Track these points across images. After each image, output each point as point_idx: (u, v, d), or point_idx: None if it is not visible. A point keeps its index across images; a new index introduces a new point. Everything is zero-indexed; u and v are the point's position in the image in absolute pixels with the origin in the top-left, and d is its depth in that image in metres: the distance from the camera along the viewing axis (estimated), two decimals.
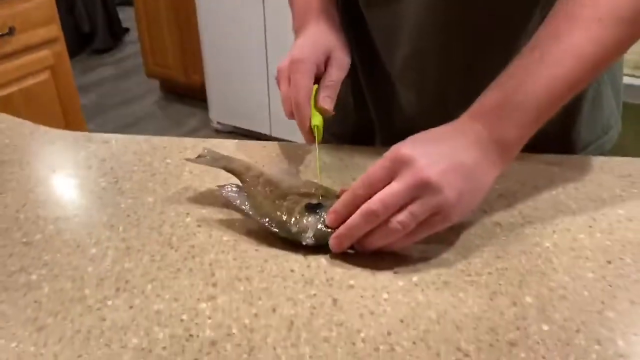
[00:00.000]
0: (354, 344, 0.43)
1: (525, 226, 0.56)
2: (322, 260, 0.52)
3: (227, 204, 0.60)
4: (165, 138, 0.75)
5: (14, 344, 0.44)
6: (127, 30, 4.27)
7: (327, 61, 0.66)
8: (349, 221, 0.50)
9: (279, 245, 0.54)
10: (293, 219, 0.54)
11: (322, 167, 0.63)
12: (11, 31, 1.81)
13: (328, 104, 0.63)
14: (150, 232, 0.57)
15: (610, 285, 0.48)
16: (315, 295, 0.48)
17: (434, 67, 0.70)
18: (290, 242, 0.53)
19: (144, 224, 0.58)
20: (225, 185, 0.58)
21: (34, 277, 0.51)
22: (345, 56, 0.67)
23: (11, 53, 1.84)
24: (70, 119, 2.09)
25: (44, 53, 1.95)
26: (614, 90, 0.74)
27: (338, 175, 0.66)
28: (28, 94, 1.92)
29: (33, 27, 1.88)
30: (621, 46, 0.52)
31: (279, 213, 0.54)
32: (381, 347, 0.43)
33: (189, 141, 0.74)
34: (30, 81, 1.92)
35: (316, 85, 0.65)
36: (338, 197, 0.53)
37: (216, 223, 0.58)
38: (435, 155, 0.48)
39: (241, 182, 0.59)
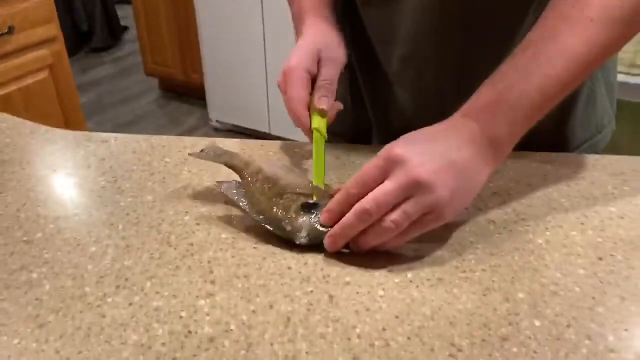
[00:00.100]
0: (349, 339, 0.44)
1: (518, 223, 0.57)
2: (319, 257, 0.53)
3: (226, 200, 0.60)
4: (164, 137, 0.76)
5: (16, 341, 0.45)
6: (125, 28, 4.27)
7: (319, 61, 0.66)
8: (342, 220, 0.51)
9: (276, 243, 0.55)
10: (288, 218, 0.54)
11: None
12: (10, 30, 1.81)
13: (324, 103, 0.63)
14: (150, 230, 0.57)
15: (601, 282, 0.49)
16: (311, 292, 0.49)
17: (430, 67, 0.70)
18: (288, 240, 0.54)
19: (143, 222, 0.59)
20: (224, 181, 0.59)
21: (34, 275, 0.52)
22: (339, 52, 0.67)
23: (10, 52, 1.85)
24: (69, 117, 2.09)
25: (43, 52, 1.95)
26: (608, 89, 0.75)
27: (335, 173, 0.67)
28: (27, 93, 1.92)
29: (32, 26, 1.89)
30: (613, 46, 0.53)
31: (274, 210, 0.55)
32: (376, 343, 0.44)
33: (188, 140, 0.75)
34: (29, 80, 1.92)
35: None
36: (331, 196, 0.54)
37: (215, 221, 0.58)
38: (428, 154, 0.49)
39: (240, 178, 0.60)
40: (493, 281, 0.49)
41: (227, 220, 0.58)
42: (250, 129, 2.81)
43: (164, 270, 0.52)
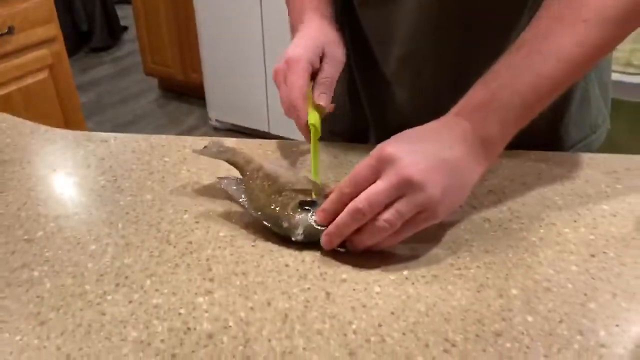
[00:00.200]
0: (346, 335, 0.45)
1: (513, 221, 0.57)
2: (316, 255, 0.54)
3: (226, 196, 0.61)
4: (163, 137, 0.76)
5: (17, 338, 0.46)
6: (125, 28, 4.28)
7: (322, 57, 0.66)
8: (337, 220, 0.51)
9: (274, 240, 0.56)
10: (285, 215, 0.55)
11: (318, 165, 0.63)
12: (10, 30, 1.82)
13: (323, 100, 0.64)
14: (149, 228, 0.58)
15: (593, 278, 0.50)
16: (309, 289, 0.50)
17: (428, 67, 0.71)
18: (286, 238, 0.55)
19: (143, 221, 0.59)
20: (224, 177, 0.60)
21: (35, 273, 0.53)
22: (339, 52, 0.68)
23: (10, 52, 1.85)
24: (69, 117, 2.10)
25: (42, 52, 1.96)
26: (602, 89, 0.75)
27: (333, 172, 0.67)
28: (27, 93, 1.93)
29: (32, 26, 1.90)
30: (606, 46, 0.54)
31: (273, 207, 0.56)
32: (372, 339, 0.45)
33: (186, 139, 0.76)
34: (29, 80, 1.93)
35: (312, 83, 0.66)
36: (326, 196, 0.55)
37: (213, 220, 0.59)
38: (419, 153, 0.50)
39: (241, 175, 0.61)
40: (487, 278, 0.50)
41: (226, 219, 0.59)
42: (249, 129, 2.82)
43: (164, 268, 0.53)
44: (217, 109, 2.92)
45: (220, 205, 0.61)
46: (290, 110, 0.63)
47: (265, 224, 0.56)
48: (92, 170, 0.69)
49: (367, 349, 0.44)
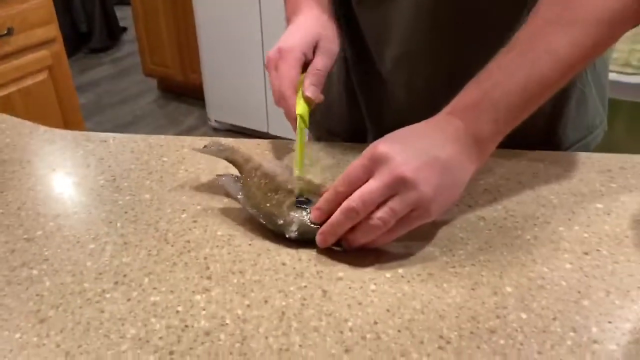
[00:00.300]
0: (342, 332, 0.46)
1: (508, 220, 0.58)
2: (313, 253, 0.54)
3: (224, 193, 0.62)
4: (161, 137, 0.77)
5: (17, 335, 0.46)
6: (124, 29, 4.28)
7: (315, 49, 0.66)
8: (331, 219, 0.52)
9: (271, 239, 0.56)
10: (281, 212, 0.56)
11: (308, 162, 0.63)
12: (10, 32, 1.83)
13: (312, 92, 0.63)
14: (147, 228, 0.59)
15: (587, 276, 0.50)
16: (305, 287, 0.50)
17: (423, 67, 0.71)
18: (283, 237, 0.55)
19: (141, 220, 0.60)
20: (223, 174, 0.61)
21: (35, 271, 0.53)
22: (333, 44, 0.68)
23: (10, 53, 1.86)
24: (68, 118, 2.11)
25: (42, 53, 1.97)
26: (599, 91, 0.76)
27: (330, 172, 0.68)
28: (27, 94, 1.94)
29: (31, 27, 1.90)
30: (598, 47, 0.54)
31: (268, 205, 0.57)
32: (368, 336, 0.45)
33: (185, 139, 0.76)
34: (28, 81, 1.94)
35: (304, 74, 0.65)
36: (320, 196, 0.55)
37: (211, 219, 0.60)
38: (412, 151, 0.50)
39: (240, 172, 0.61)
40: (482, 276, 0.51)
41: (224, 218, 0.60)
42: (248, 129, 2.83)
43: (162, 266, 0.53)
44: (217, 110, 2.92)
45: (218, 205, 0.62)
46: (280, 100, 0.63)
47: (261, 221, 0.56)
48: (91, 170, 0.70)
49: (362, 345, 0.44)
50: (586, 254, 0.53)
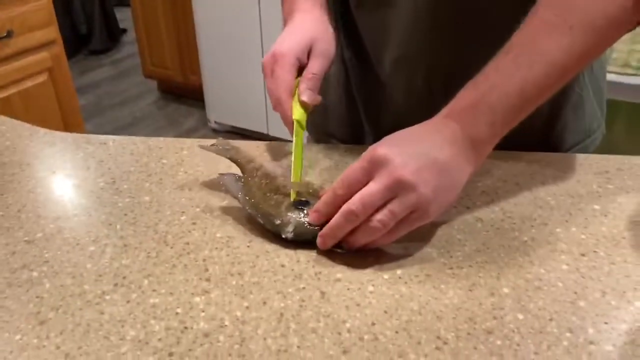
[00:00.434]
0: (340, 334, 0.46)
1: (505, 221, 0.58)
2: (311, 255, 0.54)
3: (225, 192, 0.63)
4: (160, 139, 0.77)
5: (17, 337, 0.46)
6: (124, 31, 4.29)
7: (309, 52, 0.66)
8: (331, 222, 0.52)
9: (270, 241, 0.56)
10: (278, 212, 0.56)
11: (306, 164, 0.63)
12: (9, 34, 1.83)
13: (308, 96, 0.63)
14: (147, 230, 0.59)
15: (583, 277, 0.51)
16: (304, 288, 0.51)
17: (422, 70, 0.72)
18: (281, 238, 0.56)
19: (141, 222, 0.60)
20: (225, 173, 0.62)
21: (35, 273, 0.53)
22: (329, 46, 0.67)
23: (10, 55, 1.86)
24: (68, 120, 2.11)
25: (42, 55, 1.97)
26: (597, 94, 0.76)
27: (329, 174, 0.68)
28: (26, 96, 1.94)
29: (31, 29, 1.91)
30: (592, 52, 0.55)
31: (267, 205, 0.57)
32: (365, 337, 0.45)
33: (184, 142, 0.77)
34: (28, 83, 1.94)
35: (299, 78, 0.65)
36: (319, 198, 0.55)
37: (210, 221, 0.60)
38: (410, 154, 0.50)
39: (242, 172, 0.62)
40: (479, 277, 0.51)
41: (223, 220, 0.60)
42: (248, 130, 2.83)
43: (161, 268, 0.53)
44: (216, 111, 2.93)
45: (217, 207, 0.62)
46: (277, 105, 0.64)
47: (259, 221, 0.57)
48: (91, 172, 0.70)
49: (360, 347, 0.45)
50: (583, 255, 0.53)
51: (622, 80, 1.52)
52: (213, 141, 0.68)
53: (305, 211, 0.56)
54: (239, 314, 0.48)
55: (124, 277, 0.52)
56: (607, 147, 0.79)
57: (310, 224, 0.55)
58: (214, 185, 0.66)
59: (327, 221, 0.53)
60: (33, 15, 1.91)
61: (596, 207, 0.60)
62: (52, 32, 1.99)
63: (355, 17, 0.76)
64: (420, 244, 0.55)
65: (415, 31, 0.68)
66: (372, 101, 0.80)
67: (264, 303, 0.49)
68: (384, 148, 0.51)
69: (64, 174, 0.71)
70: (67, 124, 2.10)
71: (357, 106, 0.83)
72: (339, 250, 0.54)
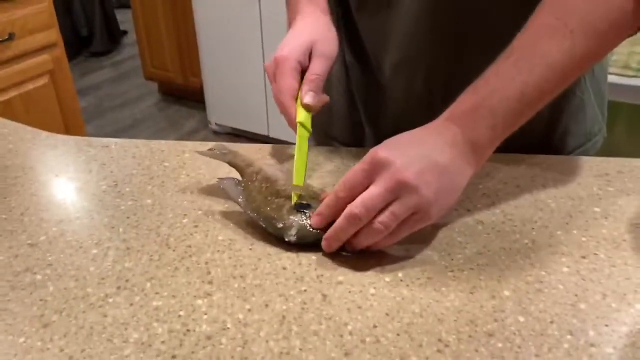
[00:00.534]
0: (341, 336, 0.46)
1: (506, 224, 0.59)
2: (313, 258, 0.55)
3: (225, 196, 0.63)
4: (162, 142, 0.78)
5: (21, 340, 0.47)
6: (125, 32, 4.30)
7: (310, 54, 0.66)
8: (335, 225, 0.53)
9: (272, 244, 0.57)
10: (280, 216, 0.56)
11: (308, 167, 0.63)
12: (11, 36, 1.83)
13: (310, 98, 0.64)
14: (149, 232, 0.59)
15: (584, 279, 0.51)
16: (305, 291, 0.51)
17: (422, 74, 0.72)
18: (283, 241, 0.56)
19: (143, 225, 0.61)
20: (224, 178, 0.62)
21: (39, 276, 0.54)
22: (330, 46, 0.67)
23: (11, 58, 1.87)
24: (69, 122, 2.11)
25: (43, 58, 1.97)
26: (598, 98, 0.76)
27: (330, 177, 0.68)
28: (28, 99, 1.94)
29: (32, 32, 1.91)
30: (593, 57, 0.55)
31: (268, 209, 0.57)
32: (367, 339, 0.46)
33: (186, 144, 0.77)
34: (29, 86, 1.95)
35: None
36: (322, 200, 0.56)
37: (212, 224, 0.60)
38: (412, 156, 0.51)
39: (241, 176, 0.62)
40: (480, 279, 0.51)
41: (224, 223, 0.60)
42: (249, 132, 2.83)
43: (163, 271, 0.54)
44: (217, 113, 2.93)
45: (219, 210, 0.63)
46: (281, 109, 0.64)
47: (261, 225, 0.57)
48: (93, 176, 0.70)
49: (362, 349, 0.45)
50: (584, 257, 0.54)
51: (622, 82, 1.52)
52: (211, 145, 0.68)
53: (307, 214, 0.56)
54: (241, 316, 0.48)
55: (127, 280, 0.53)
56: (608, 149, 0.79)
57: (312, 227, 0.55)
58: (215, 188, 0.66)
59: (329, 224, 0.53)
60: (34, 17, 1.91)
61: (597, 209, 0.60)
62: (53, 34, 1.99)
63: (356, 20, 0.76)
64: (421, 246, 0.56)
65: (415, 33, 0.69)
66: (372, 103, 0.81)
67: (266, 305, 0.49)
68: (384, 150, 0.51)
69: (66, 177, 0.71)
70: (68, 126, 2.10)
71: (358, 108, 0.83)
72: (342, 253, 0.55)
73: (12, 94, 1.89)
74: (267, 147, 0.76)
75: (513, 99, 0.52)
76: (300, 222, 0.56)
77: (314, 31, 0.68)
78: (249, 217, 0.59)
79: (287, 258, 0.55)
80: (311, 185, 0.62)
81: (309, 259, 0.55)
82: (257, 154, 0.74)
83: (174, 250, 0.56)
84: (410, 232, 0.52)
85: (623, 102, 1.50)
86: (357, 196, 0.51)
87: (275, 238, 0.57)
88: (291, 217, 0.56)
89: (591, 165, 0.68)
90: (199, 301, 0.50)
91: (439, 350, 0.44)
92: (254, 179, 0.61)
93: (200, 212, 0.62)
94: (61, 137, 0.80)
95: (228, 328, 0.47)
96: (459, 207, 0.61)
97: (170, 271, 0.54)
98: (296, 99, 0.65)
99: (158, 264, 0.55)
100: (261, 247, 0.56)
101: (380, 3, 0.70)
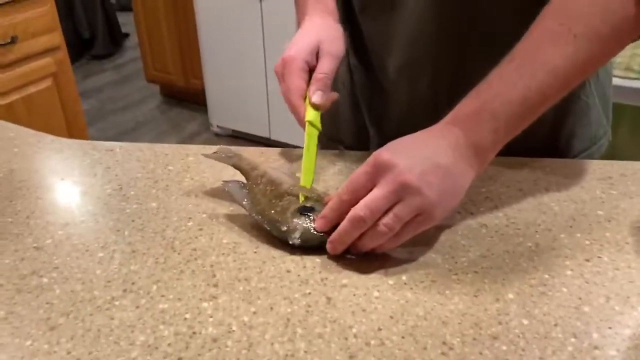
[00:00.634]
0: (346, 339, 0.46)
1: (509, 227, 0.59)
2: (317, 261, 0.55)
3: (230, 199, 0.63)
4: (166, 145, 0.78)
5: (28, 343, 0.47)
6: (127, 35, 4.30)
7: (318, 54, 0.67)
8: (339, 228, 0.53)
9: (276, 247, 0.57)
10: (284, 219, 0.57)
11: (314, 170, 0.64)
12: (14, 40, 1.84)
13: (318, 97, 0.64)
14: (155, 236, 0.60)
15: (587, 282, 0.51)
16: (310, 294, 0.51)
17: (426, 76, 0.72)
18: (287, 244, 0.56)
19: (148, 228, 0.61)
20: (229, 181, 0.63)
21: (45, 279, 0.54)
22: (336, 45, 0.68)
23: (14, 61, 1.87)
24: (71, 125, 2.12)
25: (46, 61, 1.98)
26: (602, 101, 0.76)
27: (333, 180, 0.69)
28: (30, 102, 1.95)
29: (35, 35, 1.91)
30: (595, 62, 0.55)
31: (273, 212, 0.58)
32: (372, 342, 0.46)
33: (189, 148, 0.77)
34: (32, 89, 1.95)
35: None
36: (325, 203, 0.56)
37: (216, 227, 0.61)
38: (415, 158, 0.51)
39: (246, 179, 0.63)
40: (484, 282, 0.52)
41: (229, 226, 0.61)
42: (250, 134, 2.84)
43: (169, 274, 0.54)
44: (219, 115, 2.93)
45: (224, 213, 0.63)
46: (290, 109, 0.65)
47: (265, 227, 0.58)
48: (98, 179, 0.71)
49: (367, 352, 0.45)
50: (587, 260, 0.54)
51: (625, 84, 1.52)
52: (215, 148, 0.69)
53: (311, 217, 0.56)
54: (246, 319, 0.49)
55: (133, 283, 0.53)
56: (610, 151, 0.79)
57: (316, 230, 0.55)
58: (219, 191, 0.66)
59: (333, 227, 0.54)
60: (37, 21, 1.92)
61: (600, 212, 0.60)
62: (56, 37, 2.00)
63: (361, 23, 0.77)
64: (424, 249, 0.56)
65: (419, 36, 0.69)
66: (376, 106, 0.81)
67: (271, 308, 0.50)
68: (387, 153, 0.52)
69: (71, 181, 0.71)
70: (71, 129, 2.11)
71: (362, 111, 0.83)
72: (347, 256, 0.55)
73: (14, 97, 1.90)
74: (270, 150, 0.76)
75: (515, 102, 0.53)
76: (305, 225, 0.56)
77: (321, 31, 0.69)
78: (254, 220, 0.59)
79: (292, 261, 0.55)
80: (315, 188, 0.63)
81: (313, 262, 0.55)
82: (260, 157, 0.74)
83: (179, 254, 0.57)
84: (415, 233, 0.53)
85: (626, 105, 1.51)
86: (360, 199, 0.52)
87: (280, 241, 0.57)
88: (295, 220, 0.57)
89: (594, 169, 0.68)
90: (205, 304, 0.50)
91: (443, 353, 0.45)
92: (259, 182, 0.61)
93: (204, 215, 0.63)
94: (66, 141, 0.81)
95: (233, 331, 0.47)
96: (462, 211, 0.61)
97: (175, 274, 0.54)
98: (305, 98, 0.65)
99: (164, 267, 0.55)
100: (266, 250, 0.57)
101: (384, 5, 0.71)
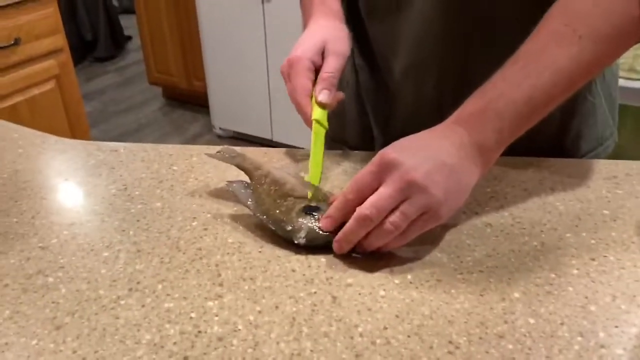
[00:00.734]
0: (352, 338, 0.46)
1: (514, 226, 0.59)
2: (322, 260, 0.55)
3: (234, 199, 0.63)
4: (170, 146, 0.78)
5: (34, 342, 0.47)
6: (129, 38, 4.32)
7: (323, 54, 0.67)
8: (346, 227, 0.53)
9: (281, 246, 0.57)
10: (289, 218, 0.57)
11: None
12: (17, 42, 1.84)
13: (324, 96, 0.65)
14: (159, 235, 0.60)
15: (593, 281, 0.51)
16: (315, 293, 0.51)
17: (431, 78, 0.72)
18: (292, 243, 0.56)
19: (153, 228, 0.61)
20: (233, 181, 0.63)
21: (51, 279, 0.54)
22: (342, 45, 0.68)
23: (17, 63, 1.88)
24: (74, 127, 2.12)
25: (49, 63, 1.98)
26: (608, 102, 0.76)
27: (338, 180, 0.69)
28: (33, 104, 1.95)
29: (38, 37, 1.92)
30: (600, 63, 0.55)
31: (277, 211, 0.58)
32: (378, 341, 0.46)
33: (193, 148, 0.77)
34: (35, 91, 1.95)
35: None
36: (330, 203, 0.56)
37: (221, 226, 0.61)
38: (420, 157, 0.51)
39: (250, 179, 0.63)
40: (490, 282, 0.52)
41: (234, 225, 0.61)
42: (253, 136, 2.84)
43: (174, 273, 0.54)
44: (221, 117, 2.94)
45: (228, 212, 0.63)
46: (297, 109, 0.65)
47: (270, 227, 0.58)
48: (103, 179, 0.71)
49: (372, 351, 0.45)
50: (593, 259, 0.54)
51: (629, 85, 1.52)
52: (219, 148, 0.69)
53: (316, 217, 0.56)
54: (251, 318, 0.48)
55: (138, 282, 0.53)
56: (615, 151, 0.79)
57: (321, 230, 0.55)
58: (224, 191, 0.66)
59: (339, 226, 0.54)
60: (40, 23, 1.92)
61: (605, 212, 0.60)
62: (59, 39, 2.00)
63: (367, 25, 0.77)
64: (430, 248, 0.56)
65: (425, 37, 0.69)
66: (381, 107, 0.81)
67: (277, 307, 0.50)
68: (393, 152, 0.52)
69: (76, 181, 0.72)
70: (73, 131, 2.11)
71: (368, 112, 0.83)
72: (353, 255, 0.55)
73: (17, 99, 1.90)
74: (274, 151, 0.76)
75: (520, 102, 0.53)
76: (310, 225, 0.56)
77: (326, 32, 0.69)
78: (258, 220, 0.59)
79: (297, 260, 0.55)
80: (319, 187, 0.63)
81: (318, 261, 0.55)
82: (264, 157, 0.74)
83: (184, 253, 0.57)
84: (421, 232, 0.53)
85: (630, 105, 1.51)
86: (366, 198, 0.52)
87: (285, 240, 0.57)
88: (300, 219, 0.57)
89: (600, 168, 0.68)
90: (210, 303, 0.50)
91: (449, 352, 0.45)
92: (263, 181, 0.61)
93: (209, 215, 0.63)
94: (70, 142, 0.81)
95: (239, 329, 0.47)
96: (467, 210, 0.61)
97: (181, 273, 0.54)
98: (311, 97, 0.65)
99: (169, 267, 0.55)
100: (270, 250, 0.57)
101: (389, 7, 0.71)
